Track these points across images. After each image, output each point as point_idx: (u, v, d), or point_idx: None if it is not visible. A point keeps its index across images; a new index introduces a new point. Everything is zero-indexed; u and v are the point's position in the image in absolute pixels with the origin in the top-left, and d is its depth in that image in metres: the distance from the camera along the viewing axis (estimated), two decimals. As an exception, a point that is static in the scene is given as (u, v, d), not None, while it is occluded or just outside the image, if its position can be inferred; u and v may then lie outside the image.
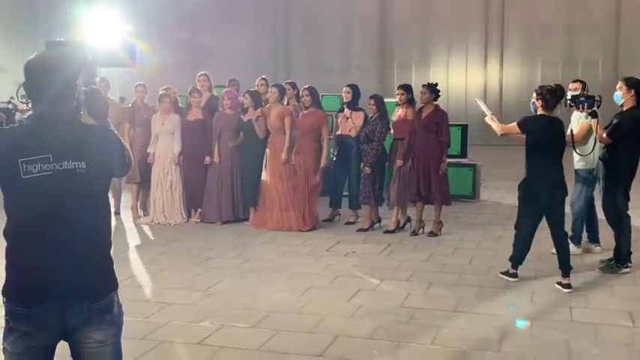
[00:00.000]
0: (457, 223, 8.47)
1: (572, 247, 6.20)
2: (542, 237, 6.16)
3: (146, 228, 8.47)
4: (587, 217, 6.83)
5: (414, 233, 7.85)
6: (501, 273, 6.04)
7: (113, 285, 2.54)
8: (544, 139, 5.66)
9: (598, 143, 6.29)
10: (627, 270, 6.19)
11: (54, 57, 2.54)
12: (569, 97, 6.05)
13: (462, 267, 6.49)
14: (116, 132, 2.66)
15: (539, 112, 5.77)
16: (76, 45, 2.70)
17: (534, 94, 5.84)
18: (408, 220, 8.10)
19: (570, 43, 19.30)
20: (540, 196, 5.72)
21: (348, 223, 8.47)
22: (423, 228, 7.89)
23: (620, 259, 6.23)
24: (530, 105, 6.00)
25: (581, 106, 6.02)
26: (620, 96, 6.16)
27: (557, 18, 19.25)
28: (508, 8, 19.87)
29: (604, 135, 6.10)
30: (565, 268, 5.74)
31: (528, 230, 5.88)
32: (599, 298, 5.54)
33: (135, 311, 4.99)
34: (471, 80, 20.14)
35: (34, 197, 2.39)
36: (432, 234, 7.79)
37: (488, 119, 6.20)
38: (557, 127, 5.73)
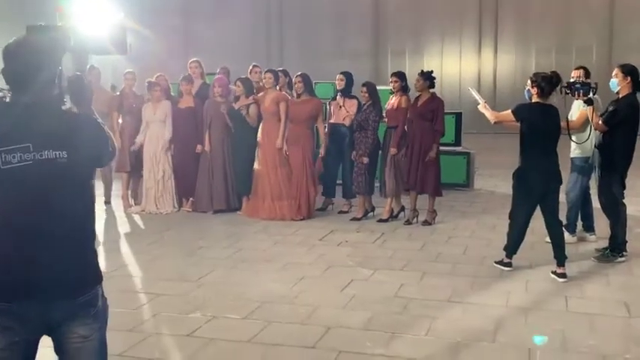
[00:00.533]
0: (451, 212, 8.41)
1: (566, 235, 6.14)
2: (537, 225, 6.10)
3: (137, 217, 8.38)
4: (582, 205, 6.78)
5: (408, 222, 7.79)
6: (496, 262, 5.99)
7: (97, 278, 2.46)
8: (539, 127, 5.59)
9: (594, 131, 6.23)
10: (622, 259, 6.15)
11: (33, 41, 2.44)
12: (565, 84, 5.97)
13: (456, 256, 6.43)
14: (100, 120, 2.56)
15: (534, 99, 5.69)
16: (58, 29, 2.58)
17: (529, 82, 5.75)
18: (402, 209, 8.04)
19: (564, 30, 19.23)
20: (534, 185, 5.65)
21: (341, 212, 8.40)
22: (417, 217, 7.83)
23: (615, 247, 6.18)
24: (525, 92, 5.90)
25: (576, 92, 5.94)
26: (616, 83, 6.09)
27: (550, 5, 19.16)
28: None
29: (599, 122, 6.03)
30: (560, 257, 5.69)
31: (523, 219, 5.82)
32: (595, 287, 5.50)
33: (124, 302, 4.93)
34: (465, 68, 20.06)
35: (14, 188, 2.30)
36: (425, 223, 7.73)
37: (481, 107, 6.11)
38: (552, 114, 5.66)
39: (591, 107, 5.99)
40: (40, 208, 2.30)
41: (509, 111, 5.75)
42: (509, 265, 5.91)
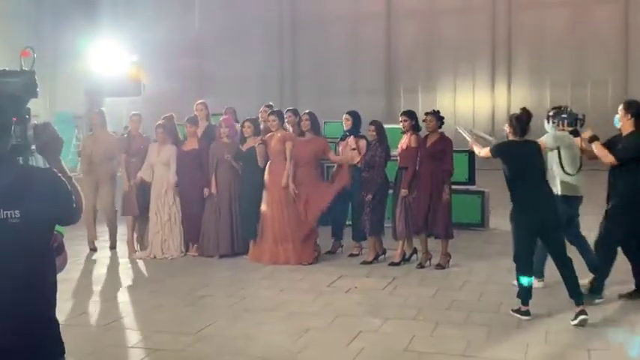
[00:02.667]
0: (466, 254, 8.07)
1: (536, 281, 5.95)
2: (550, 268, 5.79)
3: (141, 263, 8.13)
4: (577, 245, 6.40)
5: (421, 266, 7.48)
6: (512, 310, 5.65)
7: (55, 353, 2.20)
8: (516, 164, 5.60)
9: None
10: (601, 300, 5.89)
11: None
12: (551, 112, 6.03)
13: (471, 303, 6.10)
14: (68, 174, 2.34)
15: (510, 138, 5.73)
16: (22, 74, 2.38)
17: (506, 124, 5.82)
18: (415, 251, 7.74)
19: (579, 63, 19.03)
20: (530, 222, 5.53)
21: (351, 255, 8.11)
22: (429, 260, 7.52)
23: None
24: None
25: (561, 122, 5.90)
26: (618, 119, 5.97)
27: (564, 39, 19.00)
28: (515, 30, 19.65)
29: (608, 155, 5.82)
30: (575, 295, 5.39)
31: (528, 260, 5.60)
32: (620, 337, 5.13)
33: (119, 358, 4.65)
34: (478, 104, 19.85)
35: None
36: (439, 266, 7.41)
37: (471, 144, 6.17)
38: (529, 150, 5.64)
39: (578, 138, 5.91)
40: None
41: (487, 149, 5.88)
42: (527, 313, 5.57)
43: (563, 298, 5.74)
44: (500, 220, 10.11)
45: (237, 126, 8.54)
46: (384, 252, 7.84)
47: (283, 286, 6.80)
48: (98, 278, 7.52)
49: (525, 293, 5.60)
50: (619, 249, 6.09)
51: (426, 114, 7.52)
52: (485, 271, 7.32)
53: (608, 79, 18.72)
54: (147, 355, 4.90)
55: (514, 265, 6.67)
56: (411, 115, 7.71)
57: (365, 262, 7.70)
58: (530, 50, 19.55)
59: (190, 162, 8.28)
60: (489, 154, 5.87)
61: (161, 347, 5.05)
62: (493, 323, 5.49)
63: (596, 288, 6.01)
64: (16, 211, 2.09)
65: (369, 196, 7.58)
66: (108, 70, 19.43)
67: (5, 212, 2.09)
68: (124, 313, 6.05)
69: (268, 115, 8.19)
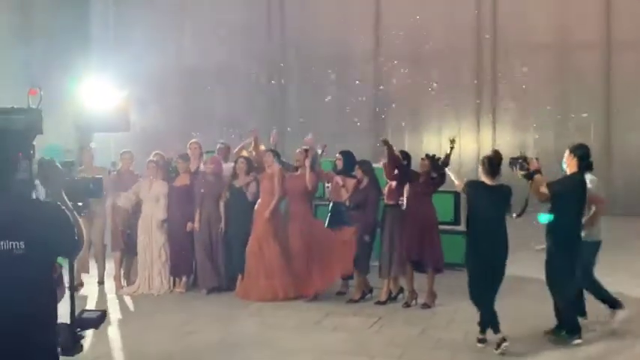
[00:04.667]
0: (451, 294, 8.09)
1: None
2: (524, 304, 5.91)
3: (128, 299, 8.13)
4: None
5: (407, 305, 7.54)
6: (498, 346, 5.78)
7: None
8: (478, 204, 5.95)
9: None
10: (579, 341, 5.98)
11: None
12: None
13: (456, 342, 6.17)
14: (69, 207, 2.43)
15: (482, 179, 6.04)
16: (29, 112, 2.49)
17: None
18: (401, 290, 7.80)
19: (562, 107, 19.41)
20: (480, 262, 5.91)
21: (339, 293, 8.16)
22: (415, 299, 7.59)
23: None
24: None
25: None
26: (564, 162, 6.22)
27: (548, 83, 19.42)
28: (500, 74, 20.07)
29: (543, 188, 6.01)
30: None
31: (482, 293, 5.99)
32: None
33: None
34: (464, 146, 20.11)
35: None
36: (425, 306, 7.48)
37: (458, 185, 6.41)
38: (497, 195, 5.94)
39: (530, 181, 6.08)
40: None
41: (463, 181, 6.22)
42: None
43: (544, 337, 5.83)
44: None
45: (229, 164, 8.65)
46: (370, 291, 7.91)
47: (270, 323, 6.84)
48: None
49: (490, 324, 5.89)
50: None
51: (423, 158, 7.70)
52: (471, 310, 7.35)
53: (591, 123, 19.10)
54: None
55: (499, 303, 6.82)
56: (402, 155, 7.92)
57: (352, 301, 7.75)
58: (514, 94, 19.94)
59: (181, 198, 8.37)
60: (461, 185, 6.20)
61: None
62: (478, 362, 5.55)
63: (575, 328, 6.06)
64: (21, 242, 2.18)
65: (367, 237, 7.66)
66: (97, 105, 19.56)
67: (10, 243, 2.17)
68: (112, 347, 6.05)
69: (266, 151, 8.32)
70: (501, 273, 5.93)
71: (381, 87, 21.12)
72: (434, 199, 7.69)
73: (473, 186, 6.06)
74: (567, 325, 6.05)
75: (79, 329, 4.01)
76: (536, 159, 6.18)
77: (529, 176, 6.05)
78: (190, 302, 7.81)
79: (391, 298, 7.73)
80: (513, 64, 20.00)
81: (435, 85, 20.27)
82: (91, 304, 7.85)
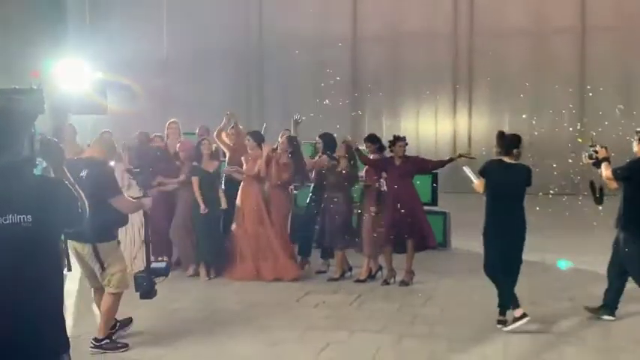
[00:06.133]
0: (429, 272, 8.36)
1: None
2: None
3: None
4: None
5: (386, 282, 7.75)
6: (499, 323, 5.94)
7: (63, 346, 2.39)
8: (494, 184, 5.91)
9: None
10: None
11: (4, 105, 2.44)
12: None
13: (433, 318, 6.39)
14: (71, 182, 2.54)
15: (496, 157, 6.04)
16: (32, 92, 2.60)
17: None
18: (380, 268, 8.01)
19: (537, 92, 19.70)
20: (497, 243, 5.93)
21: (319, 272, 8.35)
22: (394, 277, 7.81)
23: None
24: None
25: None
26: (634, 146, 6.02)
27: (524, 67, 19.68)
28: (476, 57, 20.30)
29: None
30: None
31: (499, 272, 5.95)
32: (572, 350, 5.47)
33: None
34: (440, 129, 20.37)
35: None
36: (403, 283, 7.70)
37: (476, 186, 6.17)
38: (514, 173, 5.95)
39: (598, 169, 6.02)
40: (5, 272, 2.26)
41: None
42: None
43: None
44: (462, 240, 10.49)
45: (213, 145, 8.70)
46: (350, 269, 8.10)
47: (253, 301, 7.00)
48: (71, 293, 7.58)
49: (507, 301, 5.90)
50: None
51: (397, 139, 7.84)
52: (448, 287, 7.63)
53: (565, 107, 19.44)
54: (123, 364, 5.05)
55: (475, 282, 7.02)
56: (373, 139, 8.08)
57: (332, 279, 7.94)
58: (490, 78, 20.19)
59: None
60: (481, 185, 6.07)
61: (137, 357, 5.20)
62: (455, 336, 5.77)
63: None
64: (29, 216, 2.29)
65: (373, 209, 7.81)
66: (73, 88, 19.42)
67: (19, 216, 2.28)
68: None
69: (248, 135, 8.38)
70: (520, 251, 5.96)
71: (358, 69, 21.22)
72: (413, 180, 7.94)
73: (486, 166, 6.06)
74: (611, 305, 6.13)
75: (153, 277, 5.34)
76: (605, 147, 6.03)
77: (597, 164, 6.01)
78: (173, 282, 7.90)
79: (370, 277, 7.93)
80: (490, 49, 20.23)
81: (411, 69, 20.42)
82: (74, 282, 7.91)
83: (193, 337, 5.74)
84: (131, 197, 6.20)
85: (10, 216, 2.26)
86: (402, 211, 7.55)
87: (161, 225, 8.43)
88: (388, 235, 7.67)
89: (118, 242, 5.56)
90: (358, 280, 7.83)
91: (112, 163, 6.85)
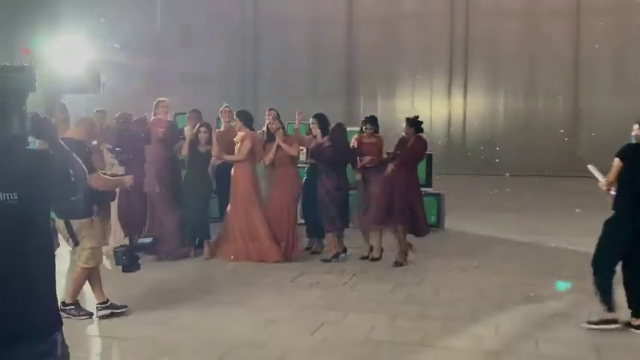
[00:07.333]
0: (423, 253, 8.38)
1: None
2: (508, 268, 6.13)
3: (104, 258, 8.18)
4: None
5: (375, 259, 7.83)
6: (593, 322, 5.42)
7: (55, 325, 2.37)
8: (631, 170, 5.29)
9: None
10: None
11: None
12: None
13: (427, 298, 6.41)
14: (66, 150, 2.49)
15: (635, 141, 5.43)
16: (23, 70, 2.54)
17: (636, 125, 5.42)
18: (371, 249, 8.05)
19: (531, 74, 19.69)
20: (623, 233, 5.33)
21: (313, 252, 8.36)
22: (380, 255, 7.90)
23: None
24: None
25: None
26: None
27: (519, 49, 19.65)
28: (471, 39, 20.23)
29: None
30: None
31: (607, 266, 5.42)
32: (565, 330, 5.50)
33: (86, 347, 4.80)
34: (435, 111, 20.36)
35: None
36: (397, 264, 7.72)
37: (602, 184, 5.56)
38: None
39: None
40: None
41: (615, 159, 5.41)
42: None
43: (514, 294, 6.09)
44: (455, 221, 10.54)
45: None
46: (344, 250, 8.10)
47: (247, 281, 7.00)
48: (63, 272, 7.56)
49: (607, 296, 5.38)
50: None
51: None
52: (441, 268, 7.65)
53: (560, 87, 19.43)
54: (117, 343, 5.05)
55: (468, 263, 7.02)
56: (372, 121, 8.08)
57: (325, 260, 7.94)
58: (485, 59, 20.15)
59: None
60: (616, 167, 5.36)
61: (130, 336, 5.20)
62: (448, 317, 5.79)
63: None
64: (14, 194, 2.25)
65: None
66: (67, 66, 19.26)
67: (4, 194, 2.24)
68: (89, 303, 6.11)
69: (235, 115, 8.35)
70: None
71: (353, 50, 21.11)
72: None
73: (626, 150, 5.38)
74: None
75: (136, 251, 5.54)
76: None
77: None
78: (166, 263, 7.90)
79: (363, 257, 7.98)
80: (485, 31, 20.16)
81: (407, 49, 20.33)
82: (65, 265, 7.91)
83: (187, 316, 5.74)
84: (115, 175, 6.33)
85: None
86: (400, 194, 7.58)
87: (132, 201, 8.34)
88: (378, 214, 7.70)
89: (92, 220, 5.58)
90: (364, 258, 7.98)
91: (94, 143, 6.89)
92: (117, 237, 8.43)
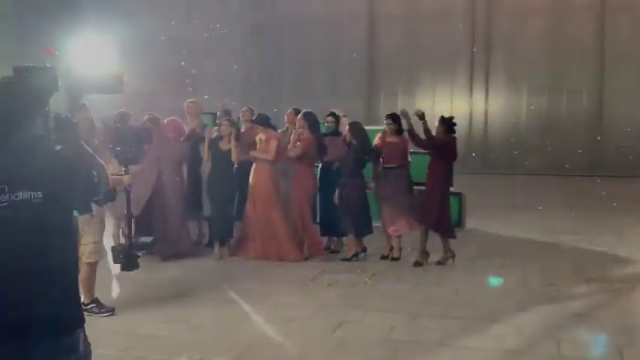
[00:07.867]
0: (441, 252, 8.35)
1: None
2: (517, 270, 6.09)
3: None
4: None
5: (394, 259, 7.81)
6: None
7: (78, 322, 2.40)
8: None
9: None
10: None
11: (14, 83, 2.43)
12: None
13: (447, 298, 6.38)
14: (88, 152, 2.54)
15: None
16: (46, 70, 2.59)
17: None
18: (391, 249, 8.01)
19: (555, 70, 19.47)
20: None
21: (333, 251, 8.36)
22: (400, 253, 7.88)
23: None
24: None
25: None
26: None
27: (542, 45, 19.43)
28: (493, 36, 20.06)
29: None
30: None
31: None
32: (589, 331, 5.44)
33: (111, 344, 4.86)
34: (456, 109, 20.20)
35: None
36: (417, 264, 7.69)
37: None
38: None
39: None
40: (16, 249, 2.27)
41: None
42: None
43: (536, 295, 6.04)
44: (477, 221, 10.47)
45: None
46: (364, 250, 8.09)
47: (268, 279, 7.04)
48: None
49: None
50: None
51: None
52: (462, 268, 7.61)
53: (584, 85, 19.20)
54: (139, 340, 5.10)
55: (490, 262, 6.99)
56: (395, 118, 8.04)
57: (345, 259, 7.93)
58: (507, 56, 19.96)
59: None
60: None
61: (154, 334, 5.25)
62: (469, 316, 5.77)
63: None
64: (38, 192, 2.29)
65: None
66: (89, 67, 19.45)
67: (29, 193, 2.29)
68: (115, 302, 6.19)
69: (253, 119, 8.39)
70: None
71: (374, 49, 21.06)
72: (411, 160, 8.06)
73: None
74: None
75: (135, 251, 5.65)
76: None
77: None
78: (185, 261, 7.94)
79: (383, 257, 7.96)
80: (507, 28, 19.98)
81: (428, 47, 20.22)
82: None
83: (207, 315, 5.78)
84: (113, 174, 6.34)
85: (21, 193, 2.27)
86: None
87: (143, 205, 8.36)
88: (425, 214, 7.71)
89: (92, 215, 5.61)
90: (384, 257, 7.95)
91: (96, 142, 6.97)
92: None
